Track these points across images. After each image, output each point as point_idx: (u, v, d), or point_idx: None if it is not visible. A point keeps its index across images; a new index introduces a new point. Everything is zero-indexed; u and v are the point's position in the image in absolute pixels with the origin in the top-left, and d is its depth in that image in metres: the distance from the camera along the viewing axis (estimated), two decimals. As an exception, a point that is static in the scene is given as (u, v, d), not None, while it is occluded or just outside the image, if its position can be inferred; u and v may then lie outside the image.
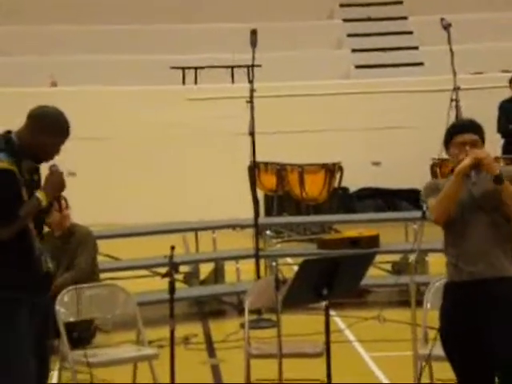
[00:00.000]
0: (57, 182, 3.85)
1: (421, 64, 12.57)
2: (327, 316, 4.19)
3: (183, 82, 11.79)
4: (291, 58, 12.45)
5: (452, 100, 6.85)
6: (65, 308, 4.64)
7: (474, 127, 3.84)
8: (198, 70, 11.72)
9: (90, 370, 4.55)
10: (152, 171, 11.03)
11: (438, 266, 7.00)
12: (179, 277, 6.92)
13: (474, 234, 3.72)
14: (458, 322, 3.72)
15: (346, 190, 10.95)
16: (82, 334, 5.54)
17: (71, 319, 4.74)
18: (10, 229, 3.74)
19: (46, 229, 5.94)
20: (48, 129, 3.83)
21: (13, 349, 3.70)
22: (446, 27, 7.42)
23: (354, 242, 7.38)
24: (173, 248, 4.43)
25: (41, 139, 3.82)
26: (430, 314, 4.62)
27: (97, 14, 12.92)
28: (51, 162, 3.93)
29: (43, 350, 3.83)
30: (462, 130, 3.82)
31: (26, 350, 3.72)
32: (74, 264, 5.97)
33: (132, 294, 5.12)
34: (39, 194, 3.81)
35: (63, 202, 6.04)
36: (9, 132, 3.86)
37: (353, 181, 10.64)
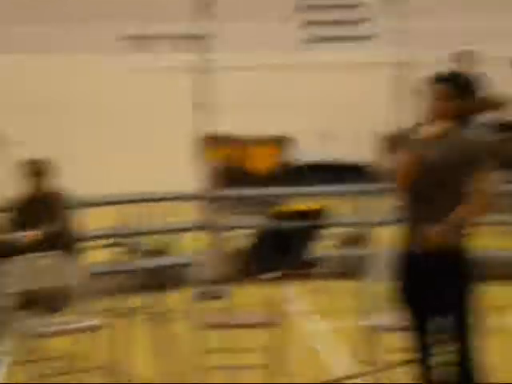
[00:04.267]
0: None
1: (369, 38, 12.64)
2: (276, 286, 4.25)
3: (132, 53, 11.68)
4: (241, 30, 12.42)
5: (396, 75, 6.92)
6: (13, 277, 4.64)
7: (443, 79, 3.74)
8: (145, 40, 11.61)
9: (39, 340, 4.55)
10: (96, 142, 10.96)
11: (383, 239, 7.14)
12: (124, 249, 6.93)
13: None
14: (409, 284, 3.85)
15: (294, 163, 11.02)
16: (48, 302, 5.63)
17: (18, 289, 4.74)
18: None
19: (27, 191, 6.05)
20: None
21: None
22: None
23: (302, 214, 7.46)
24: (121, 217, 4.43)
25: None
26: (374, 286, 4.73)
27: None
28: None
29: None
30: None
31: None
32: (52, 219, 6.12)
33: (78, 265, 5.13)
34: None
35: (39, 166, 6.22)
36: None
37: (302, 154, 10.73)
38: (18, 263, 4.73)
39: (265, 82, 11.14)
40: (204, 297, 5.93)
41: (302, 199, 8.51)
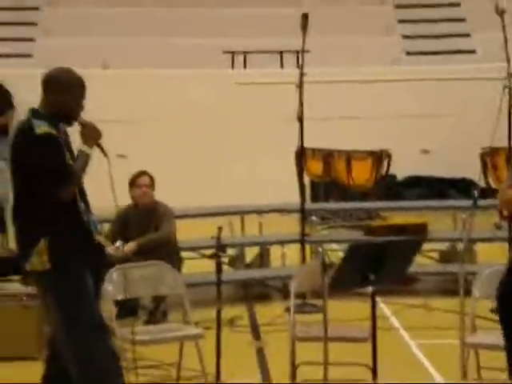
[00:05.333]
0: (91, 131, 4.00)
1: (473, 52, 12.41)
2: (373, 301, 4.19)
3: (232, 67, 11.82)
4: (341, 44, 12.39)
5: (505, 87, 6.74)
6: (113, 286, 4.72)
7: None
8: (248, 55, 11.74)
9: (139, 348, 4.62)
10: (201, 154, 11.10)
11: (486, 255, 6.96)
12: (225, 260, 6.98)
13: None
14: None
15: (393, 177, 10.89)
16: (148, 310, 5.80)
17: (118, 297, 4.81)
18: (68, 188, 3.90)
19: (130, 203, 6.24)
20: (64, 86, 3.95)
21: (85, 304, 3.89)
22: (501, 13, 7.31)
23: (401, 229, 7.35)
24: (220, 229, 4.47)
25: (61, 99, 3.95)
26: (479, 303, 4.60)
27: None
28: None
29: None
30: None
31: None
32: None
33: (180, 275, 5.18)
34: (83, 148, 3.98)
35: (147, 178, 6.41)
36: (33, 108, 3.99)
37: (401, 168, 10.58)
38: (120, 271, 4.80)
39: (361, 95, 11.05)
40: (299, 310, 5.91)
41: (400, 214, 8.39)
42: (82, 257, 3.95)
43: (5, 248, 7.02)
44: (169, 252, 6.12)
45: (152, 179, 6.48)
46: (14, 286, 5.59)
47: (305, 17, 6.92)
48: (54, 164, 3.88)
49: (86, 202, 4.05)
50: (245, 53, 11.79)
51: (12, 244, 6.56)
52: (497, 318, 4.03)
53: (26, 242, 3.94)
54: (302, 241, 6.90)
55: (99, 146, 4.07)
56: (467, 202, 7.67)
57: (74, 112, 4.02)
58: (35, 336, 5.29)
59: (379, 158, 9.57)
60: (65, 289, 3.91)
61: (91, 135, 4.01)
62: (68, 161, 3.96)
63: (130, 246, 6.23)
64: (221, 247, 4.51)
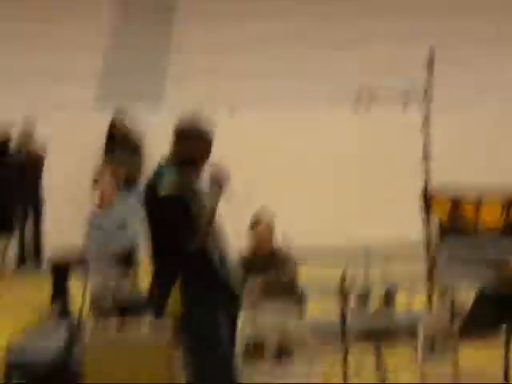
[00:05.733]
0: (221, 179, 4.05)
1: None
2: (507, 350, 4.02)
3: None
4: (466, 83, 12.17)
5: None
6: (248, 326, 4.74)
7: None
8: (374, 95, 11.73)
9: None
10: (327, 194, 11.09)
11: None
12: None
13: None
14: None
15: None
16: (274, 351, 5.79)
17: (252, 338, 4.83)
18: (196, 240, 3.97)
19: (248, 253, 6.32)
20: (191, 134, 3.98)
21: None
22: None
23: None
24: (344, 274, 4.39)
25: (189, 146, 3.98)
26: None
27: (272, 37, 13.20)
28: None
29: None
30: None
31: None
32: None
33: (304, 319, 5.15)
34: (210, 197, 4.05)
35: (269, 223, 6.46)
36: (162, 160, 4.09)
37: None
38: (252, 313, 4.83)
39: (488, 129, 10.76)
40: (429, 357, 5.73)
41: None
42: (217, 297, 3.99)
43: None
44: (292, 296, 6.10)
45: (273, 223, 6.48)
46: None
47: (431, 53, 6.84)
48: (182, 222, 3.96)
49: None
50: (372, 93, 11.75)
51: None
52: None
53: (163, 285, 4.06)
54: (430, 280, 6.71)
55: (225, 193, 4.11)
56: None
57: (202, 160, 4.09)
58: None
59: (510, 201, 9.26)
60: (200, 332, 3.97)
61: (219, 182, 4.07)
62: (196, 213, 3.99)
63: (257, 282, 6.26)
64: (344, 293, 4.44)
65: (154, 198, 3.99)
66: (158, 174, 4.03)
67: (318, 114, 11.43)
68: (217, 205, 4.03)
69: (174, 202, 3.94)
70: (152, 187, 4.04)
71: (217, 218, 4.07)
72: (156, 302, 4.02)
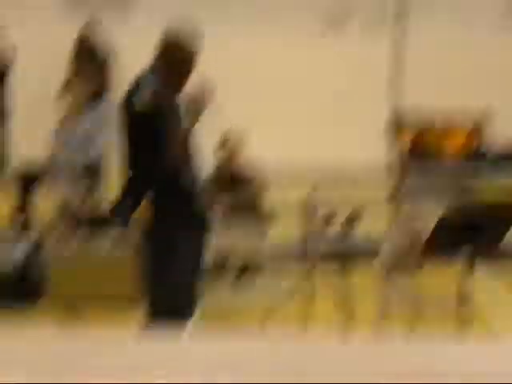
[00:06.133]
0: (203, 97, 3.99)
1: None
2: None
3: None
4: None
5: None
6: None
7: None
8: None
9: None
10: (284, 115, 11.03)
11: None
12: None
13: None
14: None
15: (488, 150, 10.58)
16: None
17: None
18: (169, 158, 3.93)
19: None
20: (177, 46, 4.00)
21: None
22: None
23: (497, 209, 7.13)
24: (315, 188, 4.41)
25: (173, 59, 3.98)
26: None
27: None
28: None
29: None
30: None
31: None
32: None
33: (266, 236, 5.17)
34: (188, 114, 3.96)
35: (236, 140, 6.40)
36: (144, 70, 4.00)
37: (503, 133, 10.25)
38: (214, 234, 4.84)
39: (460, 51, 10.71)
40: (388, 277, 5.84)
41: (497, 192, 8.16)
42: (182, 222, 3.94)
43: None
44: (256, 212, 6.15)
45: (240, 141, 6.52)
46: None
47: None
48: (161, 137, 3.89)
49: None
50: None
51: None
52: None
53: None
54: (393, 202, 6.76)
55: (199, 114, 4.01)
56: None
57: (185, 74, 4.00)
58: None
59: (477, 126, 9.33)
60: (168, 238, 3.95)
61: (195, 108, 3.97)
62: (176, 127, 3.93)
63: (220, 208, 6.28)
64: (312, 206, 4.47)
65: (130, 111, 3.91)
66: (138, 85, 3.94)
67: (288, 36, 11.31)
68: (194, 124, 3.96)
69: (149, 119, 3.86)
70: (129, 99, 3.95)
71: (193, 137, 4.01)
72: (123, 213, 4.01)
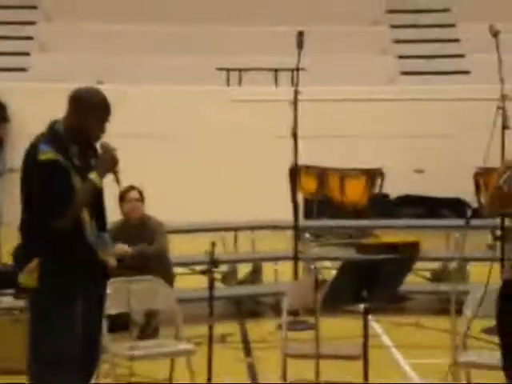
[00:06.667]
0: (108, 159, 3.86)
1: (467, 72, 12.47)
2: (365, 319, 4.19)
3: (228, 84, 11.86)
4: (336, 63, 12.44)
5: (498, 108, 6.76)
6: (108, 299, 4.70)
7: None
8: (243, 72, 11.79)
9: (131, 363, 4.60)
10: (196, 169, 11.09)
11: (478, 275, 6.97)
12: (217, 276, 6.98)
13: None
14: None
15: (386, 196, 10.91)
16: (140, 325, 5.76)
17: (111, 311, 4.79)
18: (64, 219, 3.76)
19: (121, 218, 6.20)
20: (90, 106, 3.84)
21: (63, 324, 3.76)
22: (495, 34, 7.36)
23: (393, 247, 7.35)
24: (213, 244, 4.46)
25: (85, 118, 3.82)
26: (470, 322, 4.60)
27: (143, 13, 13.03)
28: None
29: (94, 337, 3.89)
30: None
31: (77, 333, 3.77)
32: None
33: (172, 290, 5.17)
34: (92, 176, 3.83)
35: (137, 192, 6.35)
36: (55, 121, 3.91)
37: (394, 188, 10.61)
38: (113, 285, 4.79)
39: (355, 114, 11.08)
40: (291, 327, 5.90)
41: (393, 232, 8.40)
42: (76, 280, 3.81)
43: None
44: (161, 267, 6.10)
45: (141, 193, 6.45)
46: (7, 299, 5.56)
47: (300, 35, 6.93)
48: (52, 195, 3.76)
49: (102, 219, 3.94)
50: (240, 70, 11.83)
51: (6, 259, 6.54)
52: (488, 337, 4.04)
53: (22, 258, 3.87)
54: (295, 258, 6.88)
55: (115, 173, 3.90)
56: (460, 222, 7.70)
57: (94, 136, 3.87)
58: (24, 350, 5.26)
59: (372, 176, 9.61)
60: (44, 311, 3.78)
61: (105, 162, 3.85)
62: (74, 185, 3.80)
63: (123, 247, 6.19)
64: (214, 263, 4.51)
65: (31, 164, 3.78)
66: (35, 149, 3.80)
67: (185, 87, 11.41)
68: (94, 189, 3.82)
69: (50, 168, 3.74)
70: (32, 153, 3.80)
71: (96, 197, 3.86)
72: (16, 273, 3.87)
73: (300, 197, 9.35)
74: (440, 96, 11.25)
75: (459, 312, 4.74)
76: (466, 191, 9.51)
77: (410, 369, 5.65)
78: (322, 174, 9.60)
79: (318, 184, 9.62)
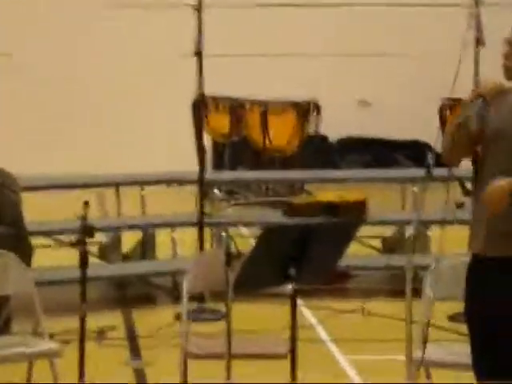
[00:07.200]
0: None
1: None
2: (293, 305, 4.26)
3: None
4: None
5: (471, 16, 6.83)
6: None
7: None
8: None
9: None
10: (58, 103, 10.97)
11: (444, 243, 7.14)
12: (93, 249, 6.98)
13: None
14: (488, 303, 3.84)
15: (324, 138, 11.03)
16: None
17: None
18: None
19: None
20: None
21: None
22: None
23: (332, 207, 7.47)
24: (86, 203, 4.44)
25: None
26: (432, 307, 4.73)
27: None
28: None
29: None
30: None
31: None
32: None
33: (29, 269, 5.15)
34: None
35: None
36: None
37: (334, 126, 10.70)
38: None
39: (280, 24, 11.05)
40: (195, 317, 5.96)
41: (332, 187, 8.52)
42: None
43: None
44: (13, 237, 6.05)
45: None
46: None
47: None
48: None
49: None
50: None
51: None
52: (455, 325, 4.16)
53: None
54: (200, 223, 6.95)
55: None
56: (419, 172, 7.85)
57: None
58: None
59: (305, 111, 9.67)
60: None
61: None
62: None
63: None
64: (87, 230, 4.49)
65: None
66: None
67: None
68: None
69: None
70: None
71: None
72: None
73: (208, 141, 9.39)
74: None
75: (417, 293, 4.86)
76: (427, 131, 9.65)
77: (352, 367, 5.79)
78: (236, 107, 9.62)
79: (232, 122, 9.64)
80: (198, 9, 6.90)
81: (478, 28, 6.82)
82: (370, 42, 11.21)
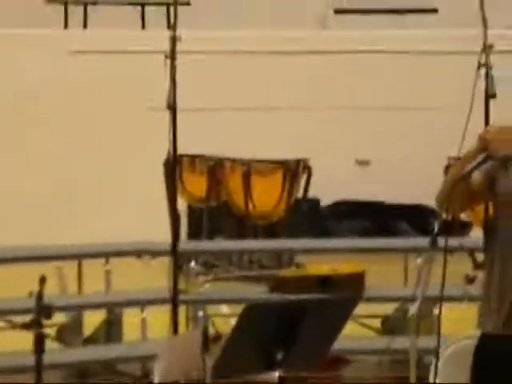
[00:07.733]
0: None
1: (434, 11, 12.76)
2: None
3: (65, 25, 11.83)
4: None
5: (480, 66, 6.90)
6: None
7: None
8: (89, 7, 11.79)
9: None
10: (20, 163, 11.02)
11: (451, 322, 7.15)
12: (50, 331, 6.98)
13: None
14: None
15: (315, 202, 11.07)
16: None
17: None
18: None
19: None
20: None
21: None
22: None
23: (325, 281, 7.49)
24: (43, 279, 4.45)
25: None
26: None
27: None
28: None
29: None
30: None
31: None
32: None
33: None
34: None
35: None
36: None
37: (326, 189, 10.75)
38: None
39: (266, 74, 11.17)
40: None
41: (325, 258, 8.53)
42: None
43: None
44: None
45: None
46: None
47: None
48: None
49: None
50: (85, 3, 11.82)
51: None
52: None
53: None
54: (174, 300, 6.95)
55: None
56: (424, 241, 7.87)
57: None
58: None
59: (294, 171, 9.73)
60: None
61: None
62: None
63: None
64: (43, 310, 4.50)
65: None
66: None
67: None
68: None
69: None
70: None
71: None
72: None
73: (182, 205, 9.43)
74: (394, 46, 11.44)
75: (423, 381, 4.87)
76: (432, 194, 9.73)
77: None
78: (215, 167, 9.68)
79: (210, 184, 9.70)
80: (171, 56, 6.97)
81: (489, 78, 6.89)
82: (367, 93, 11.32)
